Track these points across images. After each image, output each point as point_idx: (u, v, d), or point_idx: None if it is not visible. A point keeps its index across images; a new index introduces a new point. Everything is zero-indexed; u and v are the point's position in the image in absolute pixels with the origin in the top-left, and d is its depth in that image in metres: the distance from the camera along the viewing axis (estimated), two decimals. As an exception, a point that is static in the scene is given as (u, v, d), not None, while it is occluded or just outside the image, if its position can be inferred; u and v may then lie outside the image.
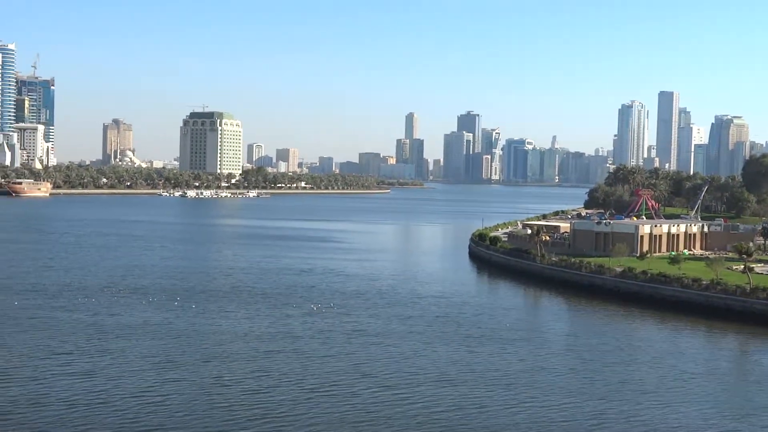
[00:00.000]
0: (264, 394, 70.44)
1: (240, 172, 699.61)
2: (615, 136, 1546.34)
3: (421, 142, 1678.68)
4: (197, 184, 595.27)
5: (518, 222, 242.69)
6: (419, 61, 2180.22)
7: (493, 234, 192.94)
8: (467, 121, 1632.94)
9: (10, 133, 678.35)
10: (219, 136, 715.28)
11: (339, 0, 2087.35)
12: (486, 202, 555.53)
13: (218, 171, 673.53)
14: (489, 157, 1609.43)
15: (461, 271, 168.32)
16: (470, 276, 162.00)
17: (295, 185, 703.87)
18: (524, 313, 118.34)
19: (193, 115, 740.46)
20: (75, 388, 70.46)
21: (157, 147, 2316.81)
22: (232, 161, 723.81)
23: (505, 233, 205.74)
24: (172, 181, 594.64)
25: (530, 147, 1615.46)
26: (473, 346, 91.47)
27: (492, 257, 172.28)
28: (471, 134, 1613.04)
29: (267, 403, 67.83)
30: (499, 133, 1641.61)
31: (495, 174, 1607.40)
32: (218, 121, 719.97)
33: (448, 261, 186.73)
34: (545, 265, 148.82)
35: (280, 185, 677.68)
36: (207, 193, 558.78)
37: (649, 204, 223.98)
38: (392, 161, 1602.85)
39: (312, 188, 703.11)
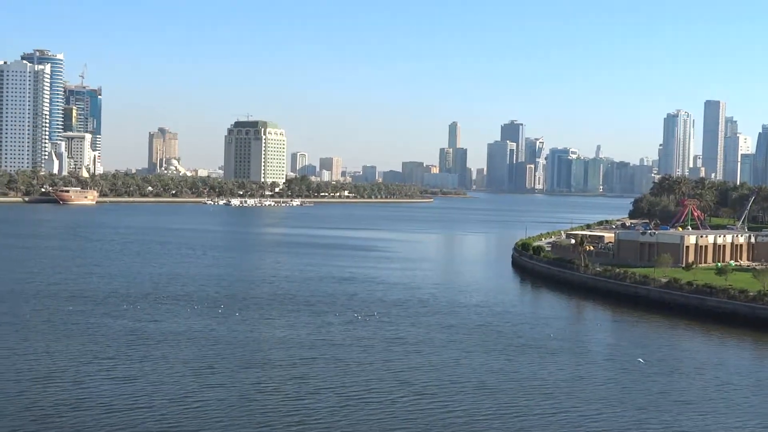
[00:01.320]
0: (303, 401, 70.45)
1: (284, 180, 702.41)
2: (660, 145, 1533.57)
3: (464, 152, 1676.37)
4: (241, 193, 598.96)
5: (562, 232, 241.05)
6: (463, 70, 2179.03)
7: (536, 243, 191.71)
8: (511, 130, 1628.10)
9: (58, 142, 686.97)
10: (263, 145, 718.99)
11: (382, 11, 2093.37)
12: (529, 212, 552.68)
13: (262, 180, 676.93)
14: (532, 166, 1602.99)
15: (504, 280, 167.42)
16: (513, 285, 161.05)
17: (338, 194, 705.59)
18: (566, 323, 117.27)
19: (237, 124, 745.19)
20: (116, 393, 71.09)
21: (202, 156, 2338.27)
22: (275, 170, 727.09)
23: (548, 243, 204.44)
24: (217, 190, 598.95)
25: (574, 156, 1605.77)
26: (514, 355, 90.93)
27: (535, 267, 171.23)
28: (514, 144, 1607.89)
29: (305, 410, 67.87)
30: (542, 143, 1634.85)
31: (538, 183, 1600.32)
32: (262, 130, 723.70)
33: (490, 270, 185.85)
34: (589, 275, 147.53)
35: (323, 194, 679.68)
36: (251, 201, 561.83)
37: (695, 214, 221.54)
38: (435, 170, 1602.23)
39: (355, 197, 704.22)
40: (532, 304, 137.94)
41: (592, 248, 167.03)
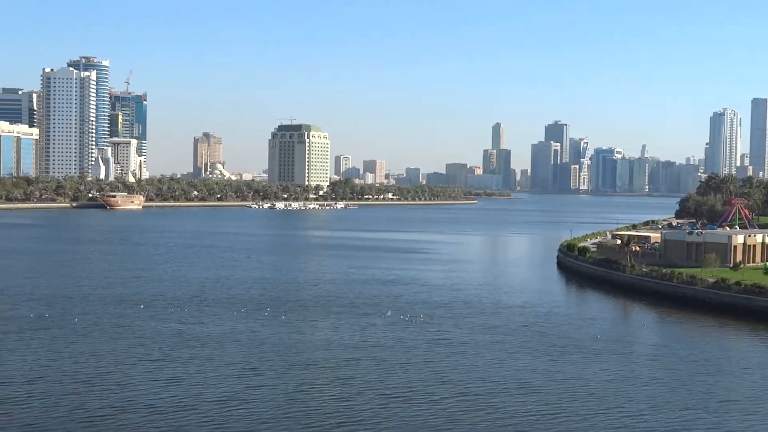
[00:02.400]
0: (347, 402, 70.69)
1: (327, 183, 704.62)
2: (707, 144, 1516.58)
3: (508, 153, 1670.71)
4: (285, 196, 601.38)
5: (607, 232, 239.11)
6: (506, 71, 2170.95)
7: (581, 244, 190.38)
8: (555, 130, 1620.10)
9: (105, 148, 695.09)
10: (307, 148, 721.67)
11: (424, 13, 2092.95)
12: (574, 212, 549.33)
13: (306, 183, 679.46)
14: (577, 166, 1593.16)
15: (549, 281, 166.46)
16: (558, 286, 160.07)
17: (382, 196, 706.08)
18: (612, 324, 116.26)
19: (281, 127, 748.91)
20: (161, 394, 71.84)
21: (246, 160, 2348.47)
22: (319, 173, 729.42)
23: (593, 243, 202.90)
24: (261, 193, 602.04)
25: (619, 156, 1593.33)
26: (558, 355, 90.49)
27: (580, 268, 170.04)
28: (559, 144, 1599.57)
29: (349, 411, 68.12)
30: (587, 143, 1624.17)
31: (583, 184, 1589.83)
32: (306, 133, 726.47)
33: (535, 271, 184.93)
34: (635, 275, 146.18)
35: (367, 196, 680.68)
36: (295, 204, 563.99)
37: (743, 213, 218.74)
38: (479, 172, 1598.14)
39: (399, 199, 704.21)
40: (577, 305, 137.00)
41: (638, 248, 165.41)
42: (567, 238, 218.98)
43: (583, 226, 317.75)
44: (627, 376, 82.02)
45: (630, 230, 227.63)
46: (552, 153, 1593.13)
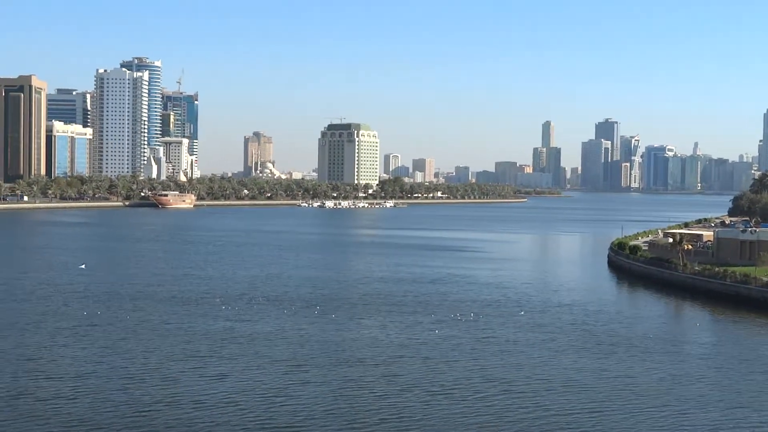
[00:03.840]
0: (392, 398, 70.70)
1: (377, 182, 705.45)
2: (760, 141, 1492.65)
3: (558, 151, 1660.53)
4: (335, 195, 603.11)
5: (659, 230, 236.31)
6: (556, 68, 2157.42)
7: (632, 243, 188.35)
8: (605, 128, 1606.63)
9: (157, 147, 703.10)
10: (356, 147, 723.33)
11: (472, 11, 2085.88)
12: (625, 211, 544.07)
13: (356, 181, 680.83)
14: (628, 164, 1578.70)
15: (599, 280, 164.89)
16: (608, 285, 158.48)
17: (431, 195, 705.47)
18: (663, 323, 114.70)
19: (330, 126, 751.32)
20: (206, 390, 72.38)
21: (296, 158, 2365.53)
22: (369, 172, 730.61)
23: (645, 242, 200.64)
24: (311, 192, 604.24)
25: (671, 154, 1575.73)
26: (607, 353, 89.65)
27: (632, 266, 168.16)
28: (609, 142, 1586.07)
29: (395, 407, 68.14)
30: (638, 140, 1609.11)
31: (634, 182, 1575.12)
32: (355, 132, 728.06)
33: (585, 270, 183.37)
34: (687, 274, 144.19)
35: (416, 195, 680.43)
36: (345, 203, 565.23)
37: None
38: (529, 170, 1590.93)
39: (448, 198, 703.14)
40: (627, 303, 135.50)
41: (690, 247, 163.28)
42: (618, 236, 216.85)
43: (634, 224, 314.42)
44: (676, 374, 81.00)
45: (682, 228, 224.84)
46: (603, 151, 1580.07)
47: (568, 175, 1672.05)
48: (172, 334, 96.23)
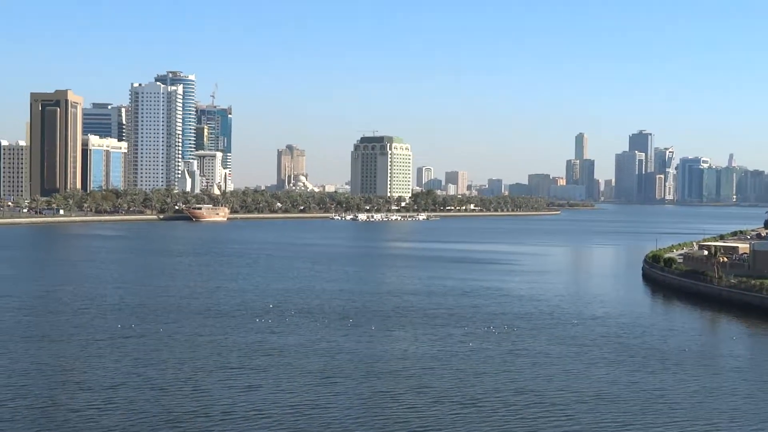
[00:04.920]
0: (423, 410, 70.50)
1: (410, 195, 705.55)
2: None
3: (591, 163, 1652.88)
4: (368, 208, 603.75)
5: (694, 243, 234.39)
6: (590, 80, 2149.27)
7: (667, 255, 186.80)
8: (639, 140, 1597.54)
9: (191, 161, 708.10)
10: (389, 160, 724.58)
11: (506, 23, 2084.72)
12: (659, 223, 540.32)
13: (388, 194, 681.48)
14: (662, 176, 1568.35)
15: (633, 292, 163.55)
16: (642, 298, 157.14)
17: (464, 207, 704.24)
18: (697, 336, 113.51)
19: (363, 139, 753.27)
20: (237, 401, 72.58)
21: (329, 171, 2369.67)
22: (401, 184, 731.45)
23: (680, 254, 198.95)
24: (344, 205, 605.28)
25: (706, 165, 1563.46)
26: (638, 366, 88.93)
27: (666, 279, 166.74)
28: (643, 154, 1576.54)
29: (424, 419, 67.97)
30: (672, 152, 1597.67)
31: (668, 194, 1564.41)
32: (388, 145, 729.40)
33: (619, 283, 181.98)
34: (723, 287, 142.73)
35: (449, 208, 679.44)
36: (377, 216, 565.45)
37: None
38: (562, 182, 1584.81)
39: (481, 210, 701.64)
40: (661, 316, 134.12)
41: (726, 259, 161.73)
42: (652, 248, 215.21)
43: (668, 236, 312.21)
44: (710, 387, 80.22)
45: (717, 241, 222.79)
46: (636, 163, 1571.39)
47: (602, 188, 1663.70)
48: (204, 346, 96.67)
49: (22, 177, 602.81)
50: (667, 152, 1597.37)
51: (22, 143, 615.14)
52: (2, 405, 70.32)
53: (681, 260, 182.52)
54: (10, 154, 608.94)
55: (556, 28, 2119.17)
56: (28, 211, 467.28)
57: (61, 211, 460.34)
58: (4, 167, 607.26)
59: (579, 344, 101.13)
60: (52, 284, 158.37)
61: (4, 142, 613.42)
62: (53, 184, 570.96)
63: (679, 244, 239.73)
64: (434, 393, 76.14)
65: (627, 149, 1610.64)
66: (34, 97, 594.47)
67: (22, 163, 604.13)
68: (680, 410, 72.05)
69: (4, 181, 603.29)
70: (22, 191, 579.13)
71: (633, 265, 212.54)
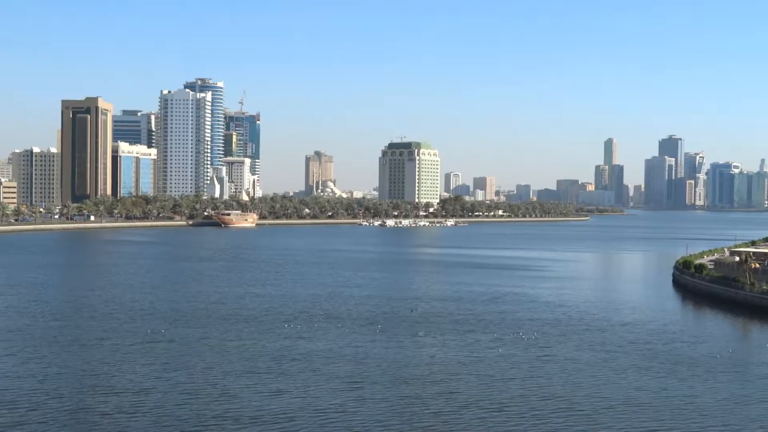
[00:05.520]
0: (449, 415, 70.45)
1: (438, 201, 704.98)
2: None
3: (620, 168, 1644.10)
4: (396, 213, 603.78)
5: (725, 249, 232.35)
6: (618, 85, 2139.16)
7: (698, 261, 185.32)
8: (669, 145, 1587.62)
9: (220, 167, 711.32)
10: (417, 165, 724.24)
11: (535, 30, 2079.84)
12: (690, 229, 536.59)
13: (416, 200, 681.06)
14: (692, 182, 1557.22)
15: (663, 298, 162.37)
16: (672, 304, 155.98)
17: (492, 213, 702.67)
18: (728, 343, 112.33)
19: (391, 145, 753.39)
20: (264, 405, 72.84)
21: (357, 177, 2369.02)
22: (429, 190, 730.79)
23: (711, 260, 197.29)
24: (372, 211, 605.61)
25: (737, 171, 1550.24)
26: (668, 373, 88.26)
27: (697, 285, 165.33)
28: (673, 159, 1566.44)
29: (451, 424, 67.88)
30: (703, 157, 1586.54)
31: (699, 199, 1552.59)
32: (416, 151, 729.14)
33: (649, 289, 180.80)
34: (755, 293, 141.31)
35: (477, 213, 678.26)
36: (405, 222, 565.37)
37: None
38: (591, 188, 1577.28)
39: (509, 216, 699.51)
40: (692, 322, 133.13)
41: (758, 265, 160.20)
42: (683, 254, 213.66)
43: (699, 242, 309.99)
44: (741, 395, 79.53)
45: (749, 247, 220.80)
46: (666, 168, 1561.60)
47: (631, 193, 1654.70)
48: (233, 351, 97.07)
49: (53, 183, 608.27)
50: (698, 157, 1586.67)
51: (54, 150, 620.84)
52: (34, 408, 70.99)
53: (712, 266, 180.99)
54: (41, 160, 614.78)
55: (586, 35, 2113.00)
56: (59, 217, 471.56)
57: (92, 217, 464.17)
58: (36, 174, 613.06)
59: (608, 350, 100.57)
60: (83, 289, 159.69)
61: (36, 149, 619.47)
62: (84, 190, 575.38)
63: (710, 250, 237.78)
64: (461, 398, 76.01)
65: (657, 154, 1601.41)
66: (65, 105, 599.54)
67: (53, 170, 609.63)
68: (710, 417, 71.50)
69: (36, 188, 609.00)
70: (53, 197, 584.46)
71: (663, 271, 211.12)
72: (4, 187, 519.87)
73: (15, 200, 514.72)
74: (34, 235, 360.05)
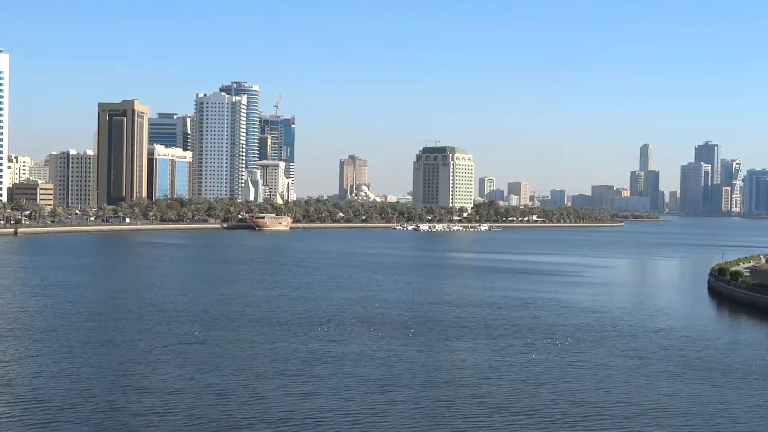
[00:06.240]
0: (480, 419, 70.27)
1: (472, 205, 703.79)
2: None
3: (656, 174, 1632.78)
4: (430, 218, 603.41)
5: (761, 256, 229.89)
6: (654, 91, 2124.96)
7: (733, 268, 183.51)
8: (705, 151, 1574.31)
9: (254, 170, 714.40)
10: (451, 170, 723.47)
11: (569, 34, 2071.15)
12: (726, 236, 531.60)
13: (450, 205, 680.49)
14: (728, 188, 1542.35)
15: (697, 306, 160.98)
16: (707, 311, 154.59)
17: (526, 218, 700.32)
18: (763, 351, 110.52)
19: (425, 150, 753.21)
20: (294, 408, 72.98)
21: (391, 181, 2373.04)
22: (463, 195, 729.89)
23: (746, 268, 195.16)
24: (406, 215, 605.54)
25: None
26: (701, 380, 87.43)
27: (733, 293, 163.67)
28: (709, 165, 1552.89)
29: (481, 428, 67.81)
30: (739, 164, 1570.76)
31: (735, 206, 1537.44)
32: (450, 155, 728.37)
33: (683, 296, 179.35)
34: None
35: (511, 218, 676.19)
36: (439, 226, 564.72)
37: None
38: (626, 194, 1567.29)
39: (544, 221, 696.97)
40: (727, 330, 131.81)
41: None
42: (718, 261, 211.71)
43: (735, 249, 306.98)
44: (776, 402, 78.65)
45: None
46: (702, 174, 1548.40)
47: (667, 199, 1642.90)
48: (265, 353, 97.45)
49: (89, 185, 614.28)
50: (734, 164, 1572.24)
51: (90, 152, 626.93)
52: (67, 408, 71.67)
53: (748, 273, 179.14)
54: (78, 163, 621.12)
55: (621, 39, 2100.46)
56: (95, 219, 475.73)
57: (127, 219, 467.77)
58: (72, 176, 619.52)
59: (640, 356, 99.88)
60: (118, 291, 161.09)
61: (73, 152, 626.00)
62: (119, 192, 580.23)
63: (746, 257, 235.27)
64: (492, 403, 75.82)
65: (692, 161, 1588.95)
66: (102, 107, 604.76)
67: (89, 172, 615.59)
68: (743, 424, 70.81)
69: (72, 190, 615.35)
70: (89, 199, 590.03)
71: (698, 278, 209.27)
72: (41, 188, 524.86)
73: (51, 202, 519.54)
74: (70, 237, 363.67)
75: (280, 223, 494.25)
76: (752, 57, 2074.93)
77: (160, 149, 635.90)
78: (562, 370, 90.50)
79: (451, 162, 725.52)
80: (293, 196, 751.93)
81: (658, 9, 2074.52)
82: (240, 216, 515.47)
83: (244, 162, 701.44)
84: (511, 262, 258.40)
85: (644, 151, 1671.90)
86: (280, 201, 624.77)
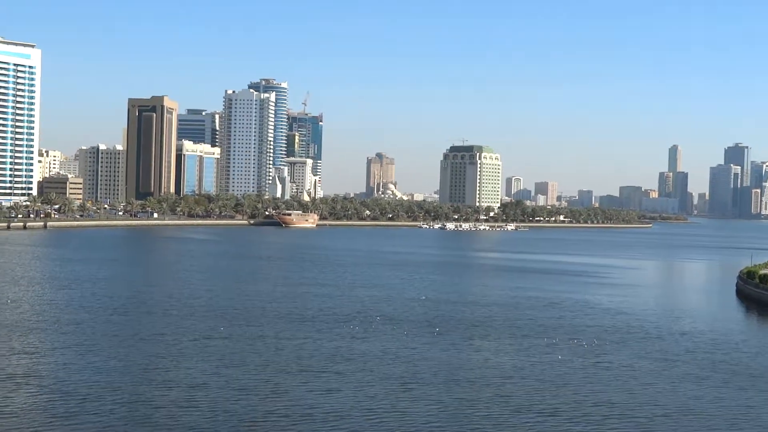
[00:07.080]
0: (502, 418, 70.16)
1: (498, 205, 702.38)
2: None
3: (685, 176, 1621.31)
4: (456, 217, 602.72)
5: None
6: (683, 92, 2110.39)
7: (762, 271, 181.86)
8: (735, 153, 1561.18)
9: (282, 167, 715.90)
10: (478, 169, 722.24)
11: (598, 34, 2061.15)
12: (755, 238, 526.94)
13: (477, 204, 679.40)
14: (758, 191, 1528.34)
15: (725, 309, 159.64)
16: (735, 314, 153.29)
17: (553, 219, 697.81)
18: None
19: (453, 149, 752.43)
20: (316, 404, 73.09)
21: (417, 180, 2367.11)
22: (490, 194, 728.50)
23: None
24: (432, 214, 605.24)
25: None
26: (726, 382, 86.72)
27: (762, 296, 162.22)
28: (739, 167, 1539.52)
29: (503, 427, 67.73)
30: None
31: (765, 209, 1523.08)
32: (477, 154, 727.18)
33: (711, 298, 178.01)
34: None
35: (538, 218, 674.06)
36: (465, 225, 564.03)
37: None
38: (654, 195, 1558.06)
39: (571, 222, 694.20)
40: (755, 333, 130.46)
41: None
42: (747, 264, 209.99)
43: (764, 252, 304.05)
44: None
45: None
46: (732, 176, 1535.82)
47: (695, 201, 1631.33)
48: (288, 349, 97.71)
49: (118, 180, 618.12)
50: (764, 166, 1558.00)
51: (119, 147, 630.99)
52: (91, 400, 72.17)
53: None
54: (107, 158, 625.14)
55: (650, 40, 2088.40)
56: (123, 213, 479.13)
57: (155, 215, 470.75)
58: (101, 171, 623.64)
59: (666, 359, 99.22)
60: (144, 285, 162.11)
61: (102, 147, 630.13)
62: (148, 187, 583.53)
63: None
64: (514, 402, 75.60)
65: (722, 162, 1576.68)
66: (132, 103, 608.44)
67: (118, 167, 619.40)
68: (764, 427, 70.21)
69: (101, 184, 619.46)
70: (118, 194, 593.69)
71: (726, 281, 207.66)
72: (71, 182, 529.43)
73: (81, 196, 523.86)
74: (98, 231, 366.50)
75: (307, 221, 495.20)
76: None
77: (188, 145, 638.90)
78: (586, 371, 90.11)
79: (479, 161, 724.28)
80: (320, 194, 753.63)
81: (687, 10, 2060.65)
82: (267, 212, 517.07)
83: (271, 159, 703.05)
84: (537, 262, 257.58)
85: (673, 152, 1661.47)
86: (306, 198, 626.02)
